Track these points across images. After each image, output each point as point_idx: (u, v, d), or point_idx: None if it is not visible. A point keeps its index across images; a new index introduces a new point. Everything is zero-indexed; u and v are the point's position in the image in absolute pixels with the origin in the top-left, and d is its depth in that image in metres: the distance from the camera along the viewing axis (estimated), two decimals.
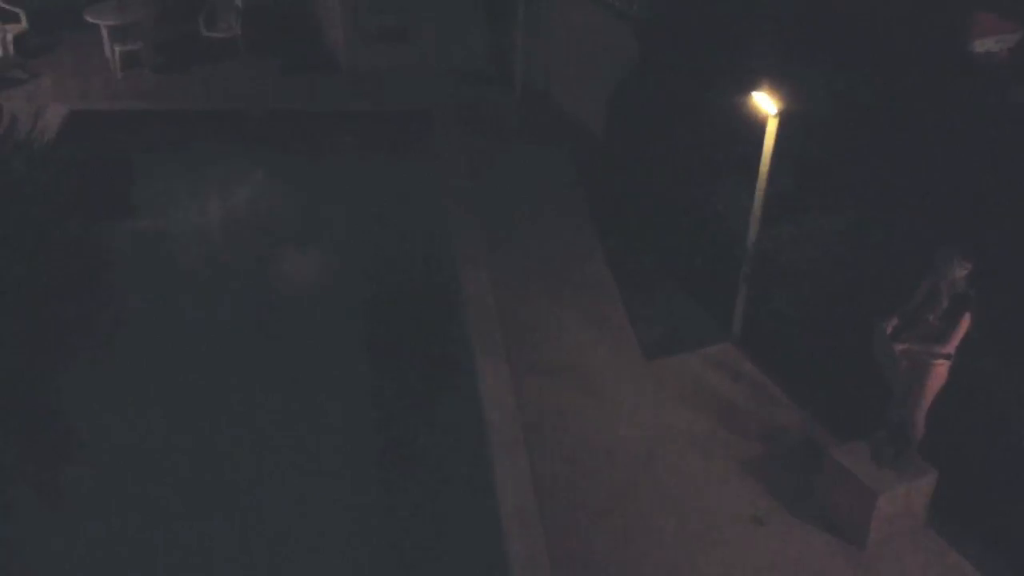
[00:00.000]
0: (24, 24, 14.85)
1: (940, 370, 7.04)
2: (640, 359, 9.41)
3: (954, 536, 7.51)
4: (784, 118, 8.38)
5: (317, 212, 12.36)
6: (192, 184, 12.84)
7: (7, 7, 14.83)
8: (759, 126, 8.60)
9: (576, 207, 11.90)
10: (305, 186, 12.91)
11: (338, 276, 11.22)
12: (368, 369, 9.82)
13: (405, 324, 10.37)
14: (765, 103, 8.41)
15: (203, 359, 9.69)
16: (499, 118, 14.12)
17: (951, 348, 6.87)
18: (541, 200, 12.05)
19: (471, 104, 14.35)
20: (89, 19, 14.61)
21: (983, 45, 7.71)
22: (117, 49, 14.51)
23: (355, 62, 15.26)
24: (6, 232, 5.79)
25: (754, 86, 8.50)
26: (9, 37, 14.52)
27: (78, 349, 6.33)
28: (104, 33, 14.61)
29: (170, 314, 10.40)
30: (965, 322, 6.78)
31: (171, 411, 9.05)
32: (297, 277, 11.26)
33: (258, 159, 13.37)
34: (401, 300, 10.76)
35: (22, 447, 6.23)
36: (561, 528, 7.54)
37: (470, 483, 8.28)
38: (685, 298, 10.24)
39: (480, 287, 10.21)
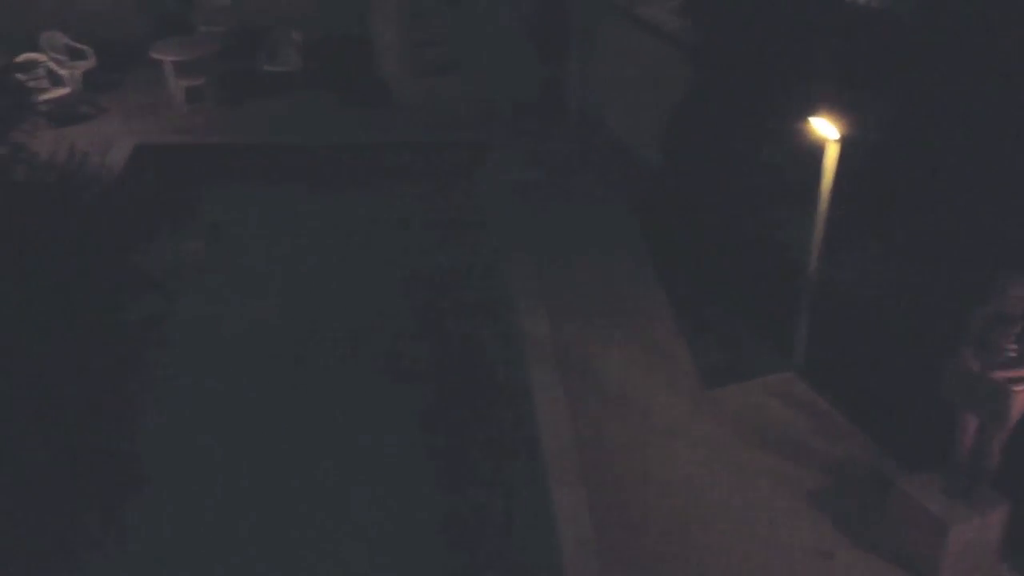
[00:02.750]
0: (92, 61, 15.34)
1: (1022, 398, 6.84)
2: (699, 389, 9.30)
3: None
4: (845, 143, 8.29)
5: (371, 243, 12.47)
6: (253, 215, 13.08)
7: (76, 44, 15.33)
8: (819, 152, 8.51)
9: (632, 236, 11.86)
10: (361, 216, 13.04)
11: (391, 303, 11.29)
12: (420, 395, 9.83)
13: (459, 351, 10.41)
14: (825, 128, 8.33)
15: (254, 403, 9.65)
16: (554, 148, 14.16)
17: None
18: (597, 229, 12.03)
19: (525, 134, 14.43)
20: (154, 55, 15.03)
21: None
22: (181, 84, 14.90)
23: (411, 94, 15.45)
24: (82, 264, 5.95)
25: (813, 111, 8.43)
26: (78, 74, 15.00)
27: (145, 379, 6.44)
28: (168, 69, 15.01)
29: (227, 345, 10.55)
30: None
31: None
32: (352, 305, 11.35)
33: (316, 190, 13.58)
34: (454, 329, 10.81)
35: (85, 479, 6.27)
36: (620, 561, 7.44)
37: (527, 514, 8.23)
38: (745, 327, 10.13)
39: (535, 317, 10.20)
